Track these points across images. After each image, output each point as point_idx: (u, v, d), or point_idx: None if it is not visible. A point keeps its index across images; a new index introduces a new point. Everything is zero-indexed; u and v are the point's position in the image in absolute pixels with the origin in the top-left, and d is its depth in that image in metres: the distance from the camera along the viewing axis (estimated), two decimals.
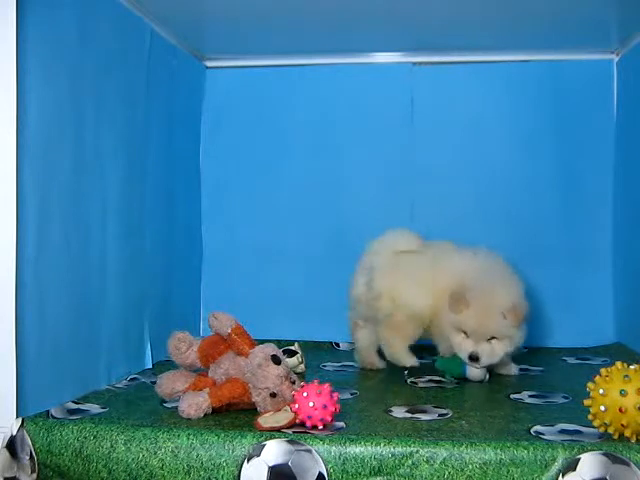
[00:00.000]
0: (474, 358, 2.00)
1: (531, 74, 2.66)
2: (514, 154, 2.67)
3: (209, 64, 2.78)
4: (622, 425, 1.41)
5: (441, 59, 2.68)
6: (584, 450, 1.37)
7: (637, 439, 1.42)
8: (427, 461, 1.39)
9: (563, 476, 1.35)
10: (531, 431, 1.52)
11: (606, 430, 1.44)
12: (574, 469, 1.35)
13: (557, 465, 1.36)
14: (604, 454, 1.36)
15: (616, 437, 1.43)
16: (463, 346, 2.02)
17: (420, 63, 2.69)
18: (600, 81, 2.63)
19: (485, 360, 2.01)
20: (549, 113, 2.65)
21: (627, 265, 2.52)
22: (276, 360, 1.63)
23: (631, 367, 1.46)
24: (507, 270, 2.09)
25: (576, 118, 2.64)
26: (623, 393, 1.41)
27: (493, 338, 2.01)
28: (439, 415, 1.67)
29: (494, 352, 2.01)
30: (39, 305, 1.63)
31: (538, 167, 2.66)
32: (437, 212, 2.65)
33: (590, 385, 1.47)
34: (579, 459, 1.36)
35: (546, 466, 1.36)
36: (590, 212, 2.63)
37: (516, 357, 2.38)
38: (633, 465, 1.34)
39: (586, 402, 1.47)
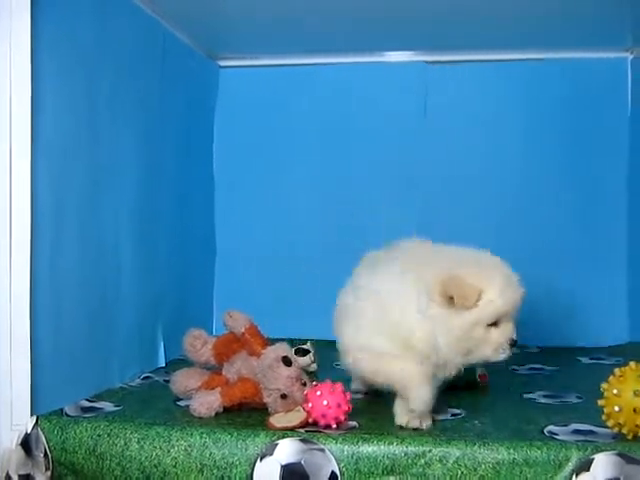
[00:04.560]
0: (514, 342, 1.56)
1: (545, 72, 2.65)
2: (528, 153, 2.66)
3: (222, 64, 2.79)
4: (636, 425, 1.41)
5: (454, 58, 2.67)
6: (598, 450, 1.36)
7: None
8: (440, 460, 1.39)
9: (577, 476, 1.35)
10: (544, 431, 1.52)
11: (620, 430, 1.43)
12: (588, 469, 1.35)
13: (570, 465, 1.36)
14: (618, 454, 1.35)
15: (630, 437, 1.42)
16: (505, 336, 1.54)
17: (433, 62, 2.69)
18: (615, 79, 2.62)
19: None
20: (563, 111, 2.64)
21: None
22: (287, 361, 1.63)
23: None
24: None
25: (590, 116, 2.63)
26: (637, 393, 1.40)
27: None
28: (452, 415, 1.66)
29: None
30: (54, 304, 1.64)
31: (552, 166, 2.65)
32: (450, 212, 2.65)
33: (604, 385, 1.47)
34: (593, 459, 1.35)
35: (559, 466, 1.36)
36: (605, 211, 2.62)
37: (528, 356, 2.38)
38: None
39: (600, 402, 1.47)
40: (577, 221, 2.63)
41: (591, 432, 1.51)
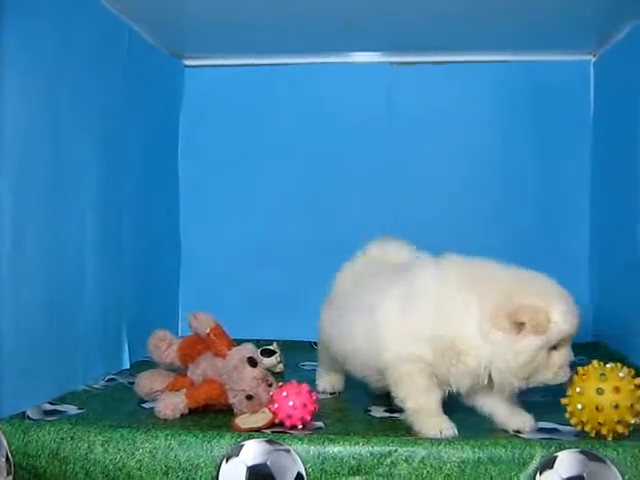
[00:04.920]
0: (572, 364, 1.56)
1: (509, 74, 2.67)
2: (492, 155, 2.68)
3: (188, 63, 2.77)
4: (599, 423, 1.42)
5: (419, 59, 2.68)
6: (561, 448, 1.38)
7: (613, 437, 1.43)
8: (406, 460, 1.39)
9: (540, 474, 1.36)
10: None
11: (583, 428, 1.45)
12: (551, 467, 1.36)
13: (535, 463, 1.37)
14: (581, 452, 1.37)
15: (593, 435, 1.44)
16: (564, 359, 1.52)
17: (398, 63, 2.70)
18: (577, 82, 2.65)
19: None
20: (527, 114, 2.67)
21: (603, 264, 2.53)
22: (252, 362, 1.62)
23: (607, 365, 1.47)
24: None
25: (554, 119, 2.65)
26: (600, 391, 1.42)
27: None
28: None
29: None
30: (15, 306, 1.61)
31: (516, 166, 2.67)
32: (415, 212, 2.65)
33: (567, 383, 1.48)
34: (556, 457, 1.36)
35: (524, 464, 1.37)
36: (567, 211, 2.64)
37: None
38: (610, 463, 1.35)
39: (563, 400, 1.49)
40: (541, 221, 2.66)
41: (555, 430, 1.53)
